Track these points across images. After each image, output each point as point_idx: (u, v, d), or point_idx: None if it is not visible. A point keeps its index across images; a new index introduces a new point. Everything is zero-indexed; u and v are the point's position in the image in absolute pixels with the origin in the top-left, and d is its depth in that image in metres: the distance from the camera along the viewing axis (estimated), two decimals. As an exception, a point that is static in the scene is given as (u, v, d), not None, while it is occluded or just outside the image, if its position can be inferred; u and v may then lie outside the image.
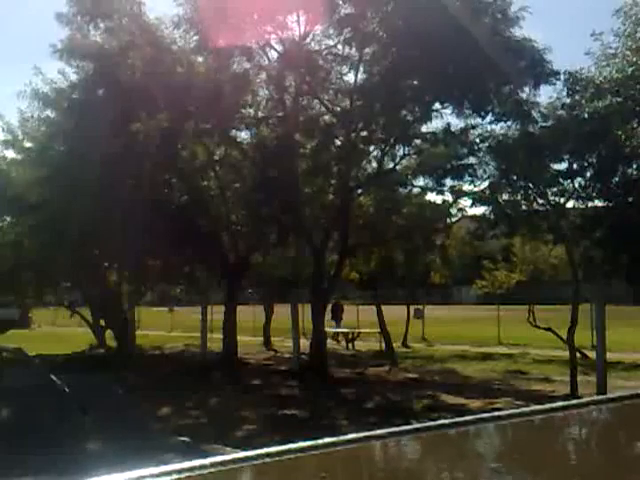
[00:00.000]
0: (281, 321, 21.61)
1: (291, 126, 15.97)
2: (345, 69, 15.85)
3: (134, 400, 12.53)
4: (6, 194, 18.92)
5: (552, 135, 13.01)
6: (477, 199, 15.33)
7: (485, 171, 15.20)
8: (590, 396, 9.21)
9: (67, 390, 11.22)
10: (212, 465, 1.27)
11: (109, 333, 22.31)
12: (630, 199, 13.16)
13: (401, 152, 17.05)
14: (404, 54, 13.28)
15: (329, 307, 21.79)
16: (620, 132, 12.09)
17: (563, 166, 13.72)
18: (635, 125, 12.29)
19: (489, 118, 14.45)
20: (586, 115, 12.63)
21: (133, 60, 15.23)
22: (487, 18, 13.20)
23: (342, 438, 1.42)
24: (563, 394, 12.30)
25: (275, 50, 16.05)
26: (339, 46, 15.23)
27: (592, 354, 14.97)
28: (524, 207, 14.50)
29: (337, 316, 26.28)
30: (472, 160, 15.68)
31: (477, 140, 15.29)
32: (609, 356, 12.57)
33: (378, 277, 22.48)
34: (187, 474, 1.22)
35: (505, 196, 14.46)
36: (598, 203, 14.03)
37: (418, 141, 16.74)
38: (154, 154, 16.01)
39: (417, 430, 1.59)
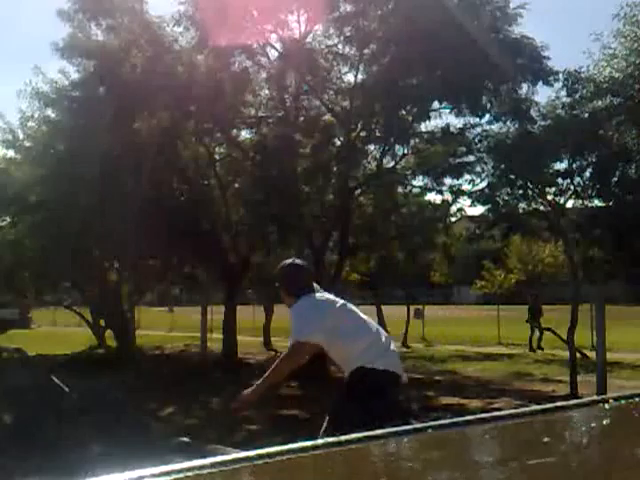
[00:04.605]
0: (281, 321, 21.57)
1: (291, 126, 15.96)
2: (345, 69, 15.87)
3: (134, 400, 12.51)
4: (6, 194, 18.89)
5: (551, 134, 13.01)
6: (476, 198, 15.32)
7: (483, 170, 15.20)
8: (590, 396, 9.20)
9: (67, 390, 11.21)
10: (212, 465, 1.26)
11: (109, 333, 22.29)
12: (630, 198, 13.16)
13: (400, 152, 17.06)
14: (403, 52, 13.27)
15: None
16: (610, 132, 12.11)
17: (562, 165, 13.73)
18: (620, 121, 12.28)
19: (487, 117, 14.48)
20: (586, 115, 12.62)
21: (134, 59, 15.22)
22: (486, 16, 13.20)
23: (342, 438, 1.42)
24: (563, 394, 12.29)
25: (275, 49, 16.07)
26: (339, 45, 15.24)
27: (592, 354, 14.96)
28: (523, 207, 14.51)
29: (540, 313, 21.09)
30: (471, 158, 15.69)
31: (476, 139, 15.29)
32: (609, 356, 12.55)
33: (378, 277, 22.45)
34: (187, 474, 1.22)
35: (504, 196, 14.46)
36: (597, 203, 14.04)
37: (417, 140, 16.74)
38: (154, 153, 16.01)
39: (417, 430, 1.58)
